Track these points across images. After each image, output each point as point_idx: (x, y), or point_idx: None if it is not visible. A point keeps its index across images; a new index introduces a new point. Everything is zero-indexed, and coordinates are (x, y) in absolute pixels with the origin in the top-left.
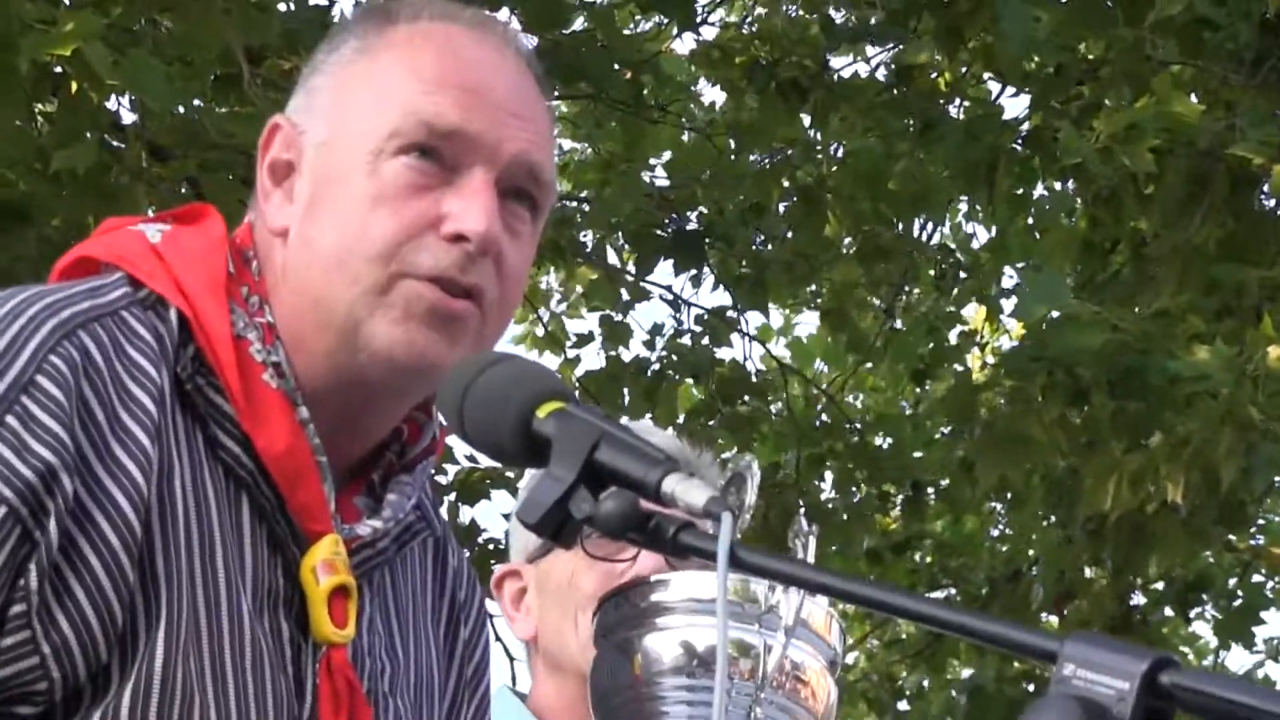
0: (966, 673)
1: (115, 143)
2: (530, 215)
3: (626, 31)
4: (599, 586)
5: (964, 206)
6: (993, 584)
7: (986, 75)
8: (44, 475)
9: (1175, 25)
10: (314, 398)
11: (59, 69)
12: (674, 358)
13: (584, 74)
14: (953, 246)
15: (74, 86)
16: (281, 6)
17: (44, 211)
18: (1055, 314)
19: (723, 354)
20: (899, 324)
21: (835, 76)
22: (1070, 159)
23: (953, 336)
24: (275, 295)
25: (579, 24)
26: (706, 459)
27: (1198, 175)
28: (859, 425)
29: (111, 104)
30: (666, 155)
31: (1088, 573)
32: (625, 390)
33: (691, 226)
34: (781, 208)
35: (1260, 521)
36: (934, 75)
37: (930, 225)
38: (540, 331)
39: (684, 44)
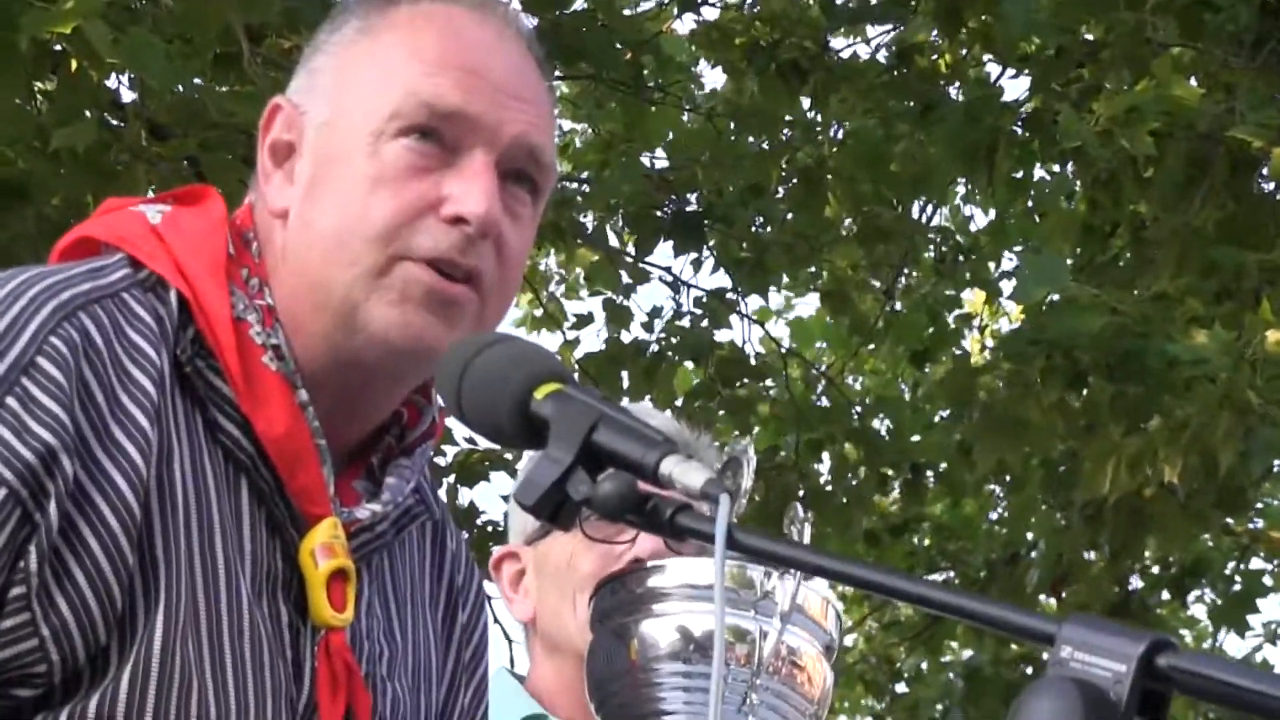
0: (965, 654)
1: (115, 121)
2: (531, 198)
3: (627, 12)
4: (597, 568)
5: (962, 189)
6: (991, 567)
7: (986, 57)
8: (44, 457)
9: (1175, 7)
10: (313, 380)
11: (59, 47)
12: (673, 340)
13: (584, 55)
14: (952, 229)
15: (74, 64)
16: None
17: (43, 190)
18: (1054, 297)
19: (722, 336)
20: (899, 306)
21: (835, 58)
22: (1070, 142)
23: (952, 319)
24: (275, 277)
25: (579, 4)
26: (704, 441)
27: (1197, 158)
28: (859, 408)
29: (111, 82)
30: (667, 138)
31: (1086, 557)
32: (624, 372)
33: (691, 208)
34: (781, 189)
35: (1259, 505)
36: (934, 57)
37: (930, 207)
38: (540, 313)
39: (684, 25)
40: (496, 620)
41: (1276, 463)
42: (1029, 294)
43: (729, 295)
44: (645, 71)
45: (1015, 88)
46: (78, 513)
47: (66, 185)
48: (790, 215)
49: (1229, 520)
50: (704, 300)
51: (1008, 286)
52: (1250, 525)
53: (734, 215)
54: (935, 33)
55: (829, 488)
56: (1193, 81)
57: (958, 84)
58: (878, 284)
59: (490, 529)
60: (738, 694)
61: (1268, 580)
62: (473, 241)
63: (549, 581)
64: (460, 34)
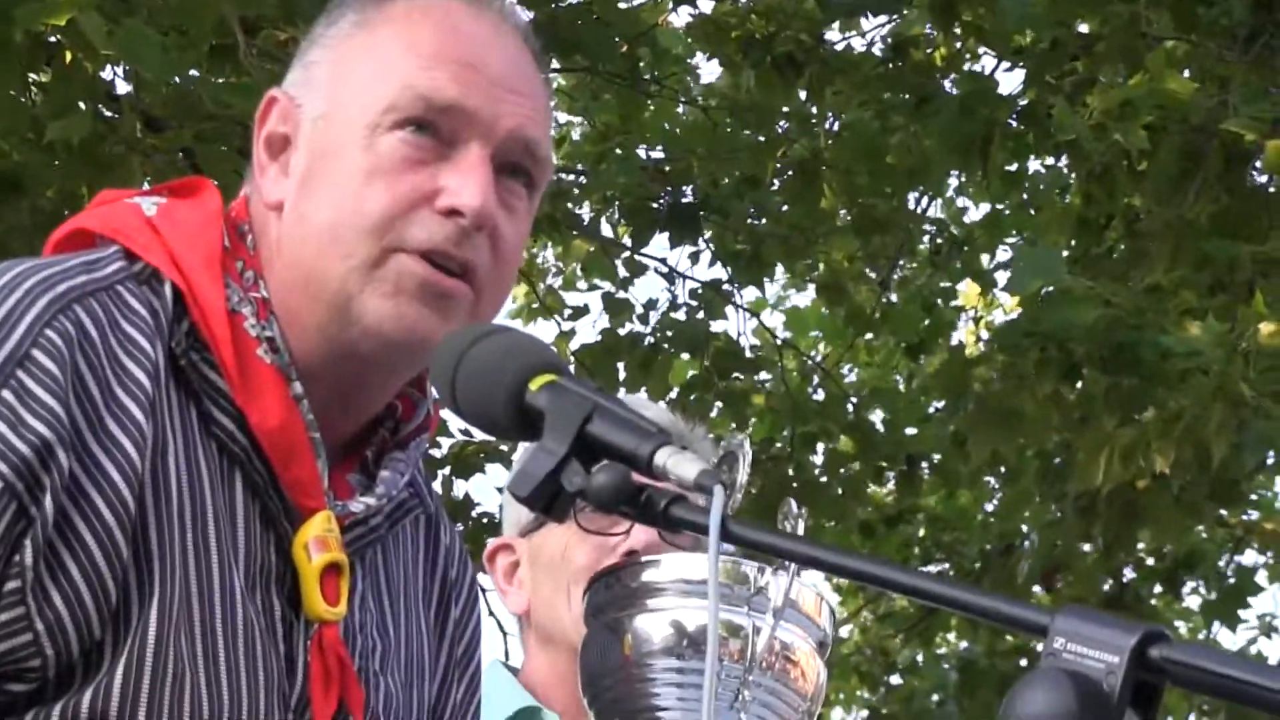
0: (961, 646)
1: (110, 113)
2: (526, 191)
3: (623, 5)
4: (592, 560)
5: (954, 182)
6: (985, 558)
7: (981, 50)
8: (40, 451)
9: (1169, 1)
10: (307, 373)
11: (53, 39)
12: (668, 333)
13: (580, 48)
14: (947, 221)
15: (69, 56)
16: None
17: (38, 182)
18: (1049, 289)
19: (717, 327)
20: (893, 298)
21: (831, 51)
22: (1064, 135)
23: (946, 311)
24: (269, 269)
25: None
26: (699, 433)
27: (1191, 151)
28: (854, 399)
29: (106, 74)
30: (664, 136)
31: (1079, 549)
32: (620, 364)
33: (687, 200)
34: (777, 181)
35: (1253, 497)
36: (929, 50)
37: (925, 200)
38: (537, 305)
39: (680, 18)
40: (491, 613)
41: (1271, 455)
42: (1023, 285)
43: (724, 287)
44: (641, 64)
45: (1010, 81)
46: (73, 506)
47: (61, 177)
48: (786, 207)
49: (1223, 512)
50: (700, 292)
51: (1002, 278)
52: (1244, 517)
53: (730, 207)
54: (930, 26)
55: (824, 479)
56: (1186, 75)
57: (953, 76)
58: (873, 275)
59: (485, 521)
60: (730, 690)
61: (1262, 574)
62: (467, 234)
63: (543, 573)
64: (457, 28)
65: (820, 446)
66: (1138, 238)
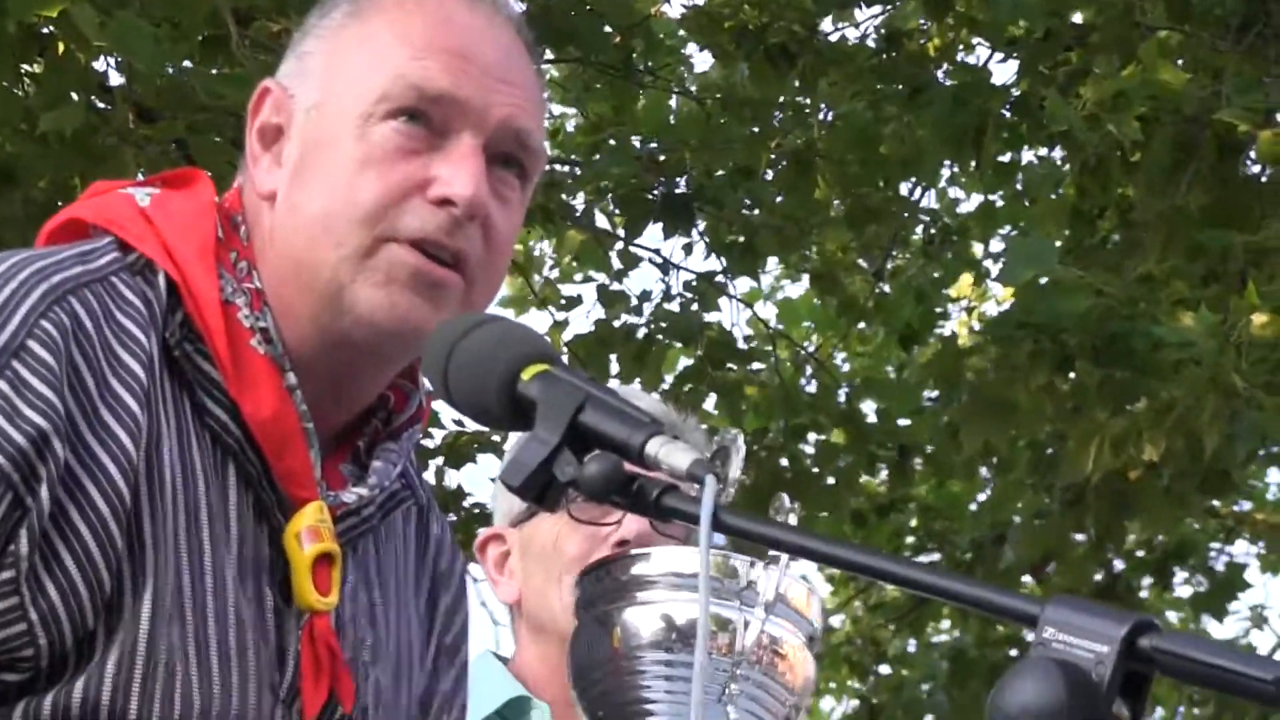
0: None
1: (103, 104)
2: (519, 181)
3: None
4: (583, 550)
5: (947, 172)
6: (977, 547)
7: (975, 40)
8: (36, 441)
9: None
10: (300, 363)
11: (46, 30)
12: (662, 324)
13: (573, 38)
14: (940, 212)
15: (61, 47)
16: None
17: (31, 173)
18: (1042, 280)
19: (711, 318)
20: (886, 288)
21: (824, 41)
22: (1057, 126)
23: (939, 300)
24: (263, 260)
25: None
26: (691, 423)
27: (1184, 142)
28: (846, 389)
29: (99, 65)
30: (657, 127)
31: (1070, 539)
32: (614, 355)
33: (680, 190)
34: (771, 172)
35: (1251, 485)
36: (922, 41)
37: (919, 190)
38: (531, 297)
39: (674, 8)
40: (482, 603)
41: (1262, 447)
42: (1016, 276)
43: (718, 278)
44: (634, 55)
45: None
46: (67, 497)
47: (54, 168)
48: (780, 198)
49: (1215, 503)
50: (694, 283)
51: (995, 269)
52: (1236, 508)
53: (723, 198)
54: (923, 17)
55: (816, 470)
56: (1180, 65)
57: (946, 67)
58: (866, 266)
59: (477, 511)
60: (719, 683)
61: (1254, 565)
62: (459, 223)
63: (534, 563)
64: (450, 18)
65: (812, 437)
66: (1131, 228)
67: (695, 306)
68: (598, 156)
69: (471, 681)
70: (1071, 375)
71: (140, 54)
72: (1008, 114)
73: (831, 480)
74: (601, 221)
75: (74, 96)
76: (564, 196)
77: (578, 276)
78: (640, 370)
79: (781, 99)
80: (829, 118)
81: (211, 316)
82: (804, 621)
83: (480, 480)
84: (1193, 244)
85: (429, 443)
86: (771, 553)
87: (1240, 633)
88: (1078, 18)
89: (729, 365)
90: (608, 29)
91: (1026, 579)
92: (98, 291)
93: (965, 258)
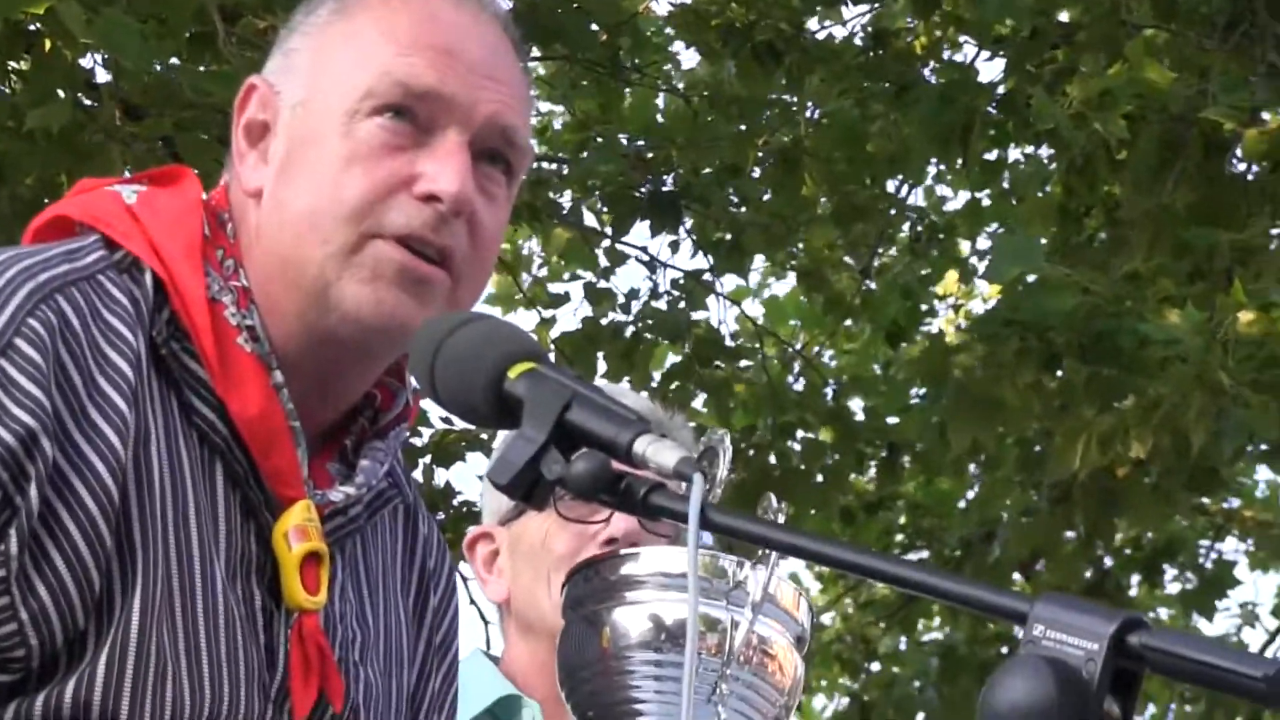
0: (939, 634)
1: (89, 102)
2: (505, 178)
3: None
4: (572, 548)
5: (933, 170)
6: (966, 544)
7: (962, 38)
8: (24, 440)
9: None
10: (287, 361)
11: (33, 27)
12: (649, 321)
13: (560, 35)
14: (927, 209)
15: (48, 45)
16: None
17: (17, 170)
18: (1030, 278)
19: (698, 316)
20: (873, 285)
21: (811, 39)
22: (1044, 125)
23: (925, 296)
24: (249, 257)
25: None
26: (678, 420)
27: (1170, 140)
28: (833, 385)
29: (86, 62)
30: (644, 125)
31: (1060, 536)
32: (601, 353)
33: (668, 188)
34: (758, 170)
35: (1240, 482)
36: (909, 39)
37: (906, 188)
38: (519, 296)
39: (661, 6)
40: (472, 601)
41: (1256, 444)
42: (1002, 273)
43: (705, 276)
44: (621, 53)
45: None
46: (56, 496)
47: (41, 165)
48: (767, 195)
49: (1204, 500)
50: (681, 282)
51: (982, 267)
52: (1225, 505)
53: (710, 195)
54: (910, 16)
55: (804, 467)
56: (1166, 64)
57: (933, 65)
58: (853, 263)
59: (466, 510)
60: (708, 683)
61: (1243, 563)
62: (445, 220)
63: (523, 562)
64: (435, 15)
65: (800, 434)
66: (1117, 226)
67: (683, 305)
68: (585, 154)
69: (462, 680)
70: (1059, 373)
71: (127, 51)
72: (994, 112)
73: (820, 478)
74: (589, 219)
75: (61, 94)
76: (551, 194)
77: (565, 275)
78: (628, 369)
79: (769, 97)
80: (816, 115)
81: (198, 314)
82: (792, 622)
83: (469, 478)
84: (1179, 242)
85: (417, 441)
86: (760, 553)
87: (1231, 630)
88: (1064, 16)
89: (717, 363)
90: (594, 26)
91: (1016, 576)
92: (85, 290)
93: (952, 255)
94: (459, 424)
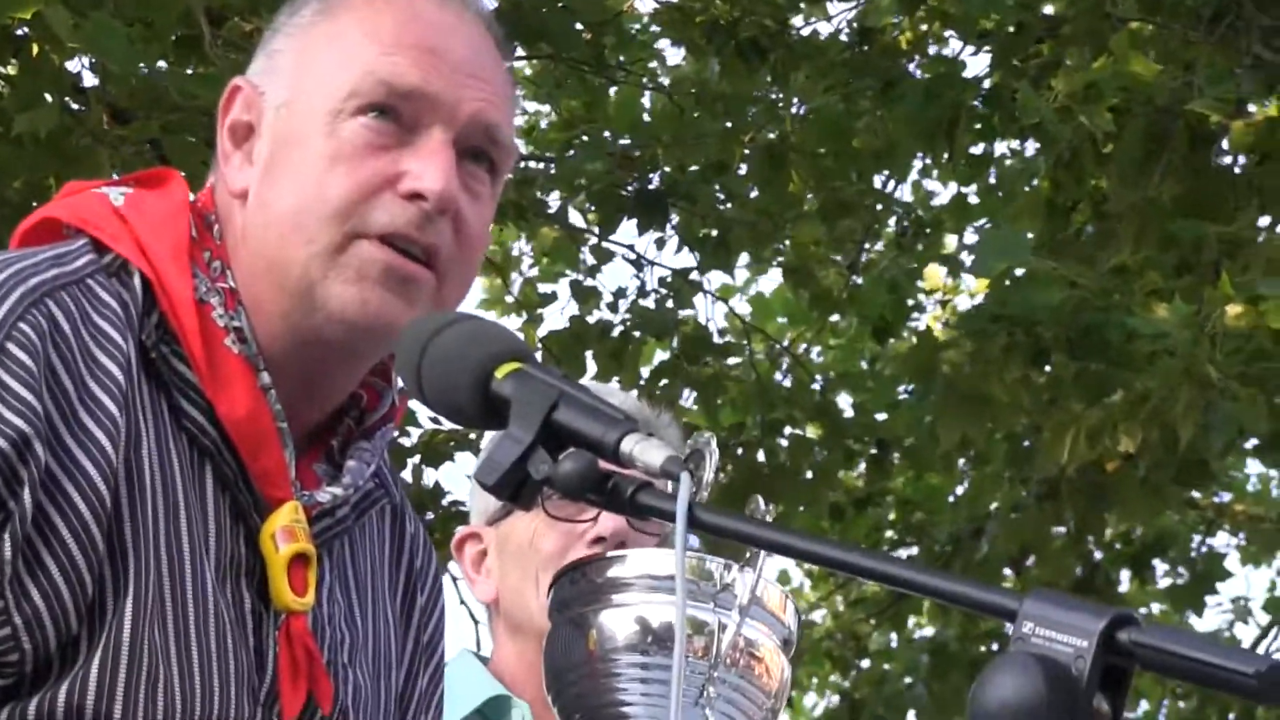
0: (930, 630)
1: (77, 105)
2: (489, 176)
3: None
4: (559, 547)
5: (918, 164)
6: (956, 540)
7: (947, 33)
8: (17, 444)
9: None
10: (273, 362)
11: (20, 31)
12: (635, 318)
13: (544, 34)
14: (914, 205)
15: (35, 49)
16: None
17: (5, 174)
18: (1018, 272)
19: (685, 313)
20: (859, 281)
21: (796, 35)
22: (1029, 119)
23: (911, 290)
24: (235, 258)
25: None
26: (665, 419)
27: (1156, 133)
28: (820, 380)
29: (73, 66)
30: (630, 123)
31: (1050, 531)
32: (589, 352)
33: (654, 186)
34: (744, 167)
35: (1232, 476)
36: (895, 35)
37: (892, 183)
38: (511, 299)
39: (645, 4)
40: (462, 601)
41: (1246, 439)
42: (988, 268)
43: (693, 274)
44: (606, 50)
45: (975, 64)
46: (48, 500)
47: (29, 169)
48: (754, 192)
49: (1195, 495)
50: (668, 280)
51: (969, 261)
52: (1216, 499)
53: (697, 193)
54: (896, 13)
55: (792, 464)
56: (1151, 56)
57: (918, 60)
58: (840, 259)
59: (455, 510)
60: (695, 686)
61: (1234, 557)
62: (430, 218)
63: (511, 562)
64: (419, 15)
65: (787, 431)
66: (1104, 219)
67: (670, 303)
68: (571, 153)
69: (451, 681)
70: (1047, 368)
71: (114, 55)
72: (980, 107)
73: (809, 475)
74: (575, 218)
75: (48, 98)
76: (537, 193)
77: (552, 274)
78: (616, 368)
79: (754, 94)
80: (801, 112)
81: (186, 316)
82: (779, 625)
83: (458, 478)
84: (1166, 235)
85: (406, 441)
86: (747, 555)
87: (1224, 625)
88: (1049, 10)
89: (705, 360)
90: (579, 25)
91: (1007, 572)
92: (74, 294)
93: (939, 250)
94: (447, 424)
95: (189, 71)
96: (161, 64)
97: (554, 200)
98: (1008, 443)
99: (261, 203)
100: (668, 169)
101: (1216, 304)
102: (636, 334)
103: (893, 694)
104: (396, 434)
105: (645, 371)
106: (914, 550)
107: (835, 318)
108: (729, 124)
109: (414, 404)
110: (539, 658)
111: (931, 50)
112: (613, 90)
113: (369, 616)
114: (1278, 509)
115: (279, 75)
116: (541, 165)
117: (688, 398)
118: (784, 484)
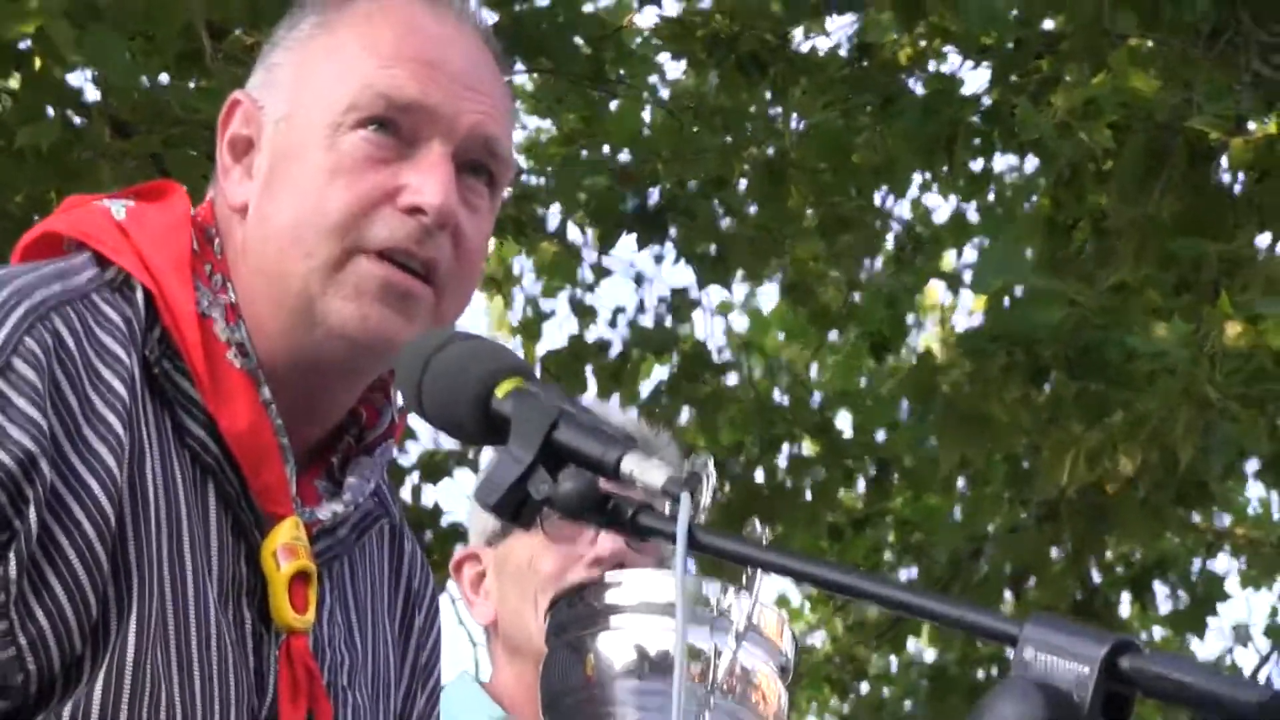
0: (930, 654)
1: (78, 119)
2: (488, 190)
3: (588, 8)
4: (559, 568)
5: (918, 178)
6: (955, 561)
7: (946, 49)
8: (23, 462)
9: None
10: (273, 377)
11: (22, 45)
12: (636, 337)
13: (544, 49)
14: (913, 221)
15: (37, 63)
16: None
17: (7, 188)
18: (1018, 291)
19: (684, 329)
20: (857, 297)
21: (795, 50)
22: (1028, 135)
23: (909, 305)
24: (235, 273)
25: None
26: (664, 439)
27: (1156, 149)
28: (819, 398)
29: (75, 80)
30: (630, 137)
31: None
32: (588, 369)
33: (653, 201)
34: (744, 182)
35: (1238, 499)
36: (894, 51)
37: (892, 199)
38: (514, 314)
39: (645, 18)
40: (460, 623)
41: (1239, 459)
42: (987, 284)
43: (692, 294)
44: (606, 65)
45: (975, 80)
46: (53, 520)
47: (30, 183)
48: (753, 208)
49: (1195, 517)
50: (667, 297)
51: (969, 278)
52: (1216, 523)
53: (696, 208)
54: (896, 26)
55: (792, 484)
56: (1151, 73)
57: (917, 76)
58: (839, 275)
59: (454, 530)
60: (692, 713)
61: (1234, 579)
62: (429, 232)
63: (510, 583)
64: (417, 28)
65: (786, 449)
66: (1104, 237)
67: (669, 321)
68: (569, 168)
69: (450, 703)
70: (1046, 387)
71: (116, 69)
72: (979, 123)
73: (808, 495)
74: (574, 234)
75: (50, 111)
76: (537, 209)
77: (552, 290)
78: (615, 385)
79: (753, 109)
80: (801, 127)
81: (188, 330)
82: (776, 651)
83: (456, 497)
84: (1165, 253)
85: (405, 459)
86: (744, 578)
87: (1224, 650)
88: (1048, 26)
89: (703, 378)
90: (579, 40)
91: (1007, 594)
92: (79, 309)
93: (937, 267)
94: (447, 443)
95: (190, 85)
96: (163, 78)
97: (553, 216)
98: (1007, 463)
99: (261, 217)
100: (667, 184)
101: (1215, 323)
102: (635, 352)
103: (891, 718)
104: (394, 450)
105: (644, 389)
106: (913, 571)
107: (834, 334)
108: (728, 139)
109: (415, 422)
110: (538, 680)
111: (931, 66)
112: (612, 104)
113: (368, 638)
114: (1278, 532)
115: (278, 89)
116: (540, 181)
117: (687, 416)
118: (783, 504)
